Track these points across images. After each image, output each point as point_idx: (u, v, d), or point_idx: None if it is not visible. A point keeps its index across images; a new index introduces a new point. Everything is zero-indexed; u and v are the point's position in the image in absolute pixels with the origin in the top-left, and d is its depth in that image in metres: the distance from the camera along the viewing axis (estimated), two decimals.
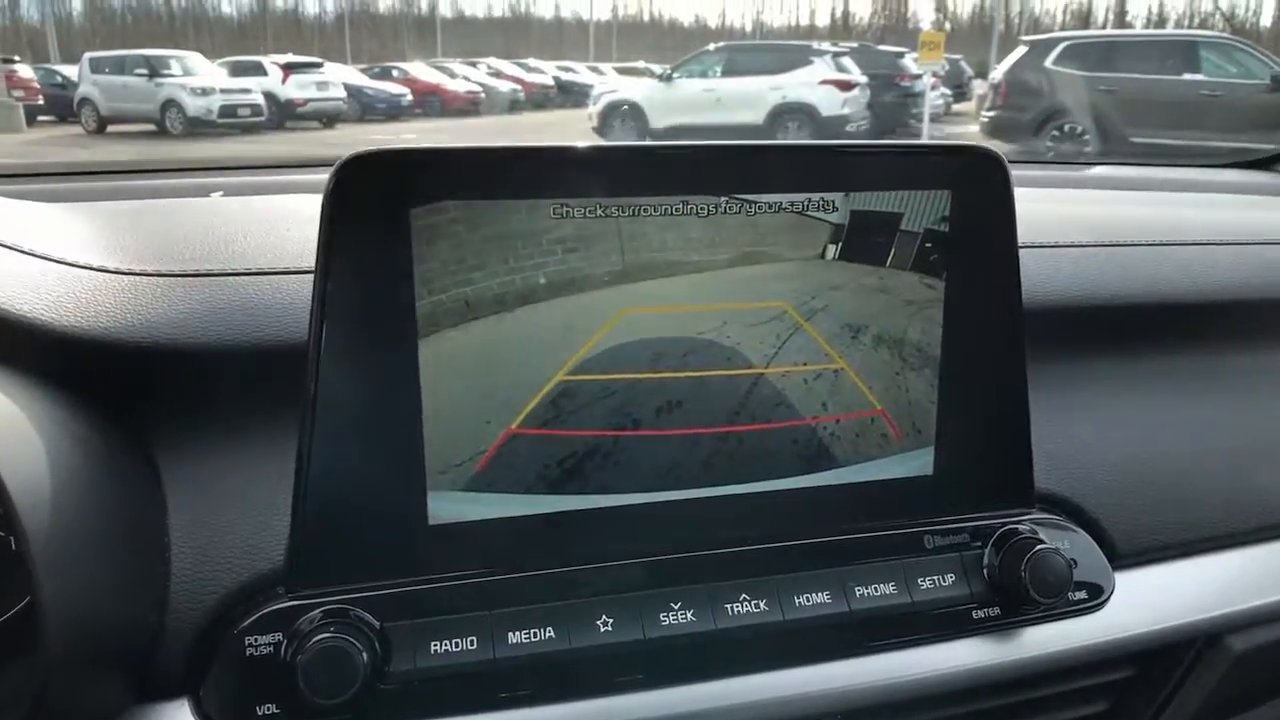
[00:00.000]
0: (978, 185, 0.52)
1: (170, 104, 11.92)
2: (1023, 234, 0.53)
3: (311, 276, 0.44)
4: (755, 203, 0.49)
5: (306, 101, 13.05)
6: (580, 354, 0.49)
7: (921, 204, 0.52)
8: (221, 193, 0.84)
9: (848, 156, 0.52)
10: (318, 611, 0.47)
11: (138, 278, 0.53)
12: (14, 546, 0.51)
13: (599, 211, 0.47)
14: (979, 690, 0.57)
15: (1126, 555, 0.62)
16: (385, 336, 0.45)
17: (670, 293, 0.49)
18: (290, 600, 0.47)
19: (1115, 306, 0.68)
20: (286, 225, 0.61)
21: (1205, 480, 0.66)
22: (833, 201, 0.51)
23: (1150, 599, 0.61)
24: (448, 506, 0.48)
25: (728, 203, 0.49)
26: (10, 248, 0.51)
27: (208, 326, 0.51)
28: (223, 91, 12.12)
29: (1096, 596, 0.59)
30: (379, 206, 0.44)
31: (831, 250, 0.51)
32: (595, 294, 0.49)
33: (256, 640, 0.47)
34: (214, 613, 0.48)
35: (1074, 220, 0.76)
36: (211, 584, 0.48)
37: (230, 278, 0.54)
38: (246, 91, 12.33)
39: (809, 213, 0.50)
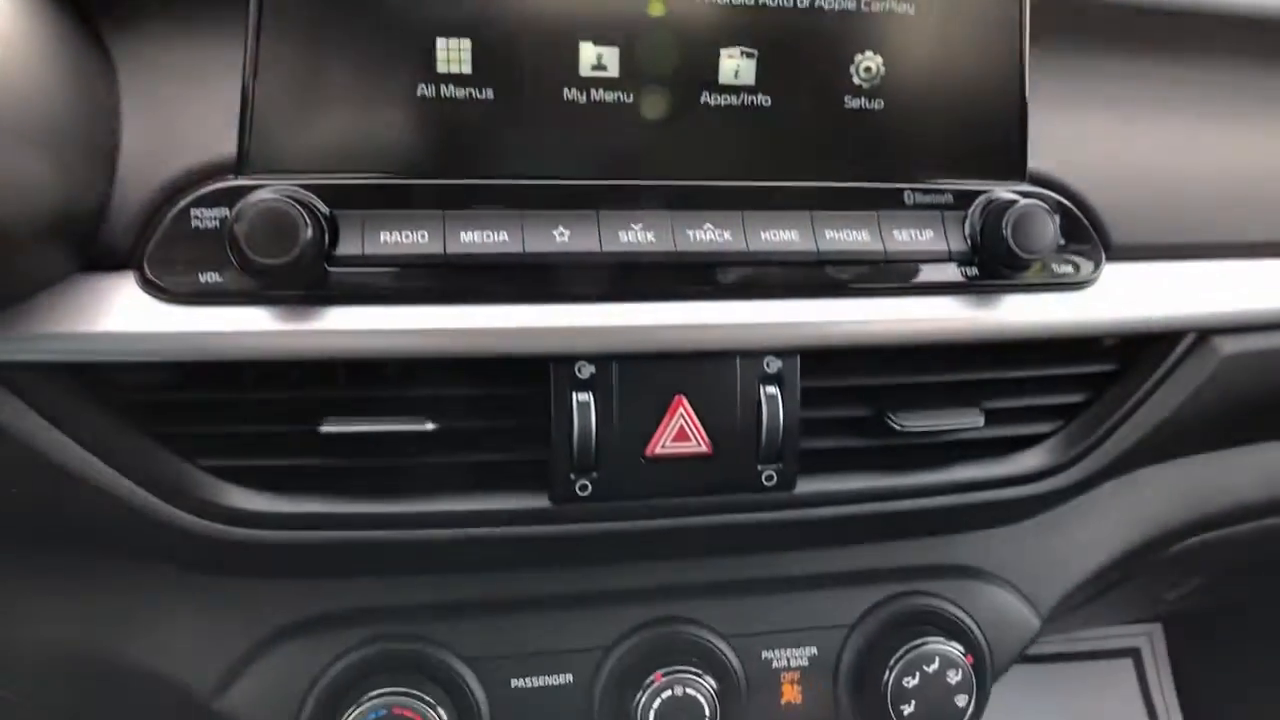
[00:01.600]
0: None
1: None
2: None
3: None
4: None
5: None
6: None
7: None
8: None
9: None
10: (266, 190, 0.46)
11: None
12: None
13: None
14: (954, 351, 0.55)
15: (1120, 247, 0.59)
16: None
17: None
18: (240, 180, 0.46)
19: (1142, 6, 0.63)
20: None
21: (1211, 188, 0.63)
22: None
23: (1140, 291, 0.59)
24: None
25: None
26: None
27: None
28: None
29: (1083, 273, 0.57)
30: None
31: None
32: None
33: (203, 214, 0.46)
34: (164, 191, 0.47)
35: None
36: (163, 164, 0.47)
37: None
38: None
39: None
